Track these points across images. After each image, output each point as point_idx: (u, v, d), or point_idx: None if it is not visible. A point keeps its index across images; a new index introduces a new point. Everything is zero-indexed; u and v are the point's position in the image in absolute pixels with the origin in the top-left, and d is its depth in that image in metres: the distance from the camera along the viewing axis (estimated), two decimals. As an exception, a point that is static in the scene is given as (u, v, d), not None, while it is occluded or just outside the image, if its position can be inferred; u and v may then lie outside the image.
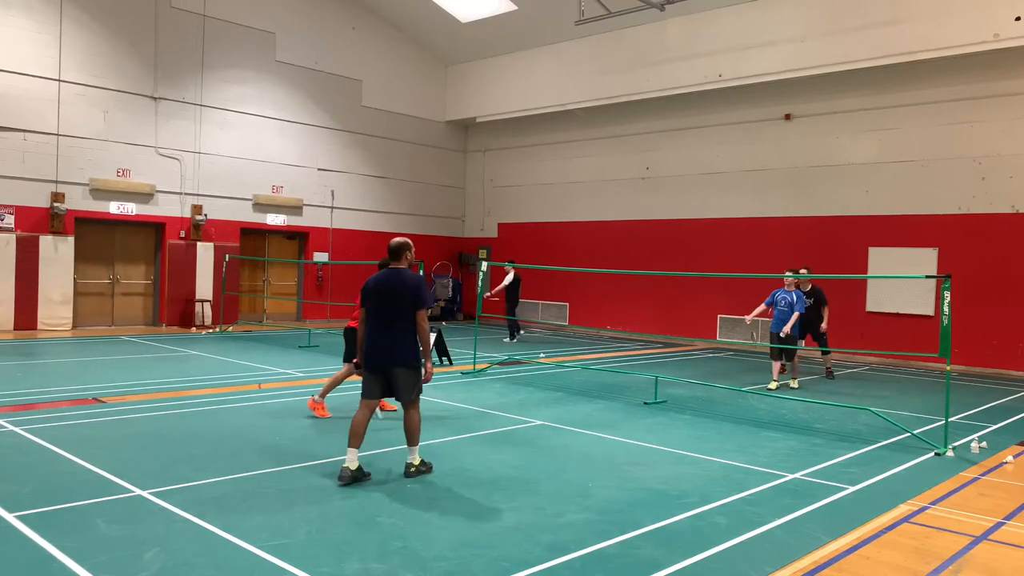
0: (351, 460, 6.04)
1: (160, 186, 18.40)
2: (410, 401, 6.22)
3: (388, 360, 6.10)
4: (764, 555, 4.80)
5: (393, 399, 6.37)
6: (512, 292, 18.30)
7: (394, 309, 6.03)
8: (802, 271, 12.82)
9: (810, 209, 17.71)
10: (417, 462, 6.27)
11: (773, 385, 11.74)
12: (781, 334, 11.67)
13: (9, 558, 4.41)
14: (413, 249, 6.38)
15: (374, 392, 6.21)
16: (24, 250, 16.30)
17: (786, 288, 11.98)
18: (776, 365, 11.86)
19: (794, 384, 12.07)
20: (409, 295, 6.03)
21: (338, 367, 9.68)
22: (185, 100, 18.76)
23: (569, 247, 21.92)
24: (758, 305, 12.35)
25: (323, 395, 8.73)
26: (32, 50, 16.51)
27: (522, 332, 19.15)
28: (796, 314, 11.65)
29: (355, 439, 6.07)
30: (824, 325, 12.89)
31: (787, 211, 18.07)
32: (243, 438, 7.52)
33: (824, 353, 13.47)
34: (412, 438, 6.25)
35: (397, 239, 6.33)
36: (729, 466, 7.03)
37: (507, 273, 17.97)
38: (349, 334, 8.96)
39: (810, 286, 12.92)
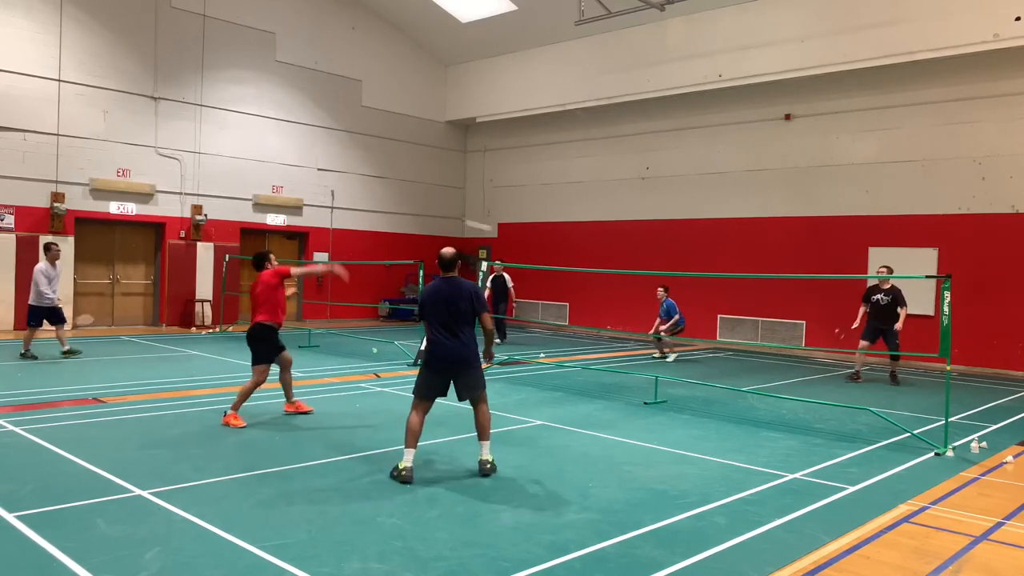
0: (408, 459, 6.24)
1: (160, 186, 18.40)
2: (478, 396, 6.57)
3: (455, 363, 6.48)
4: (764, 555, 4.80)
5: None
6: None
7: (457, 316, 6.49)
8: (881, 270, 12.53)
9: (810, 209, 17.71)
10: (491, 458, 6.56)
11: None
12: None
13: (9, 558, 4.41)
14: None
15: (432, 393, 6.52)
16: (24, 250, 16.29)
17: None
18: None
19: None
20: (468, 301, 6.53)
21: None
22: (185, 100, 18.75)
23: (569, 247, 21.90)
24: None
25: (236, 407, 8.19)
26: (32, 50, 16.50)
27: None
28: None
29: (412, 439, 6.33)
30: (898, 325, 12.48)
31: (787, 211, 18.06)
32: (242, 438, 7.52)
33: (893, 359, 13.07)
34: (484, 431, 6.55)
35: (449, 250, 6.78)
36: (729, 466, 7.03)
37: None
38: (266, 333, 8.51)
39: (890, 284, 12.70)
